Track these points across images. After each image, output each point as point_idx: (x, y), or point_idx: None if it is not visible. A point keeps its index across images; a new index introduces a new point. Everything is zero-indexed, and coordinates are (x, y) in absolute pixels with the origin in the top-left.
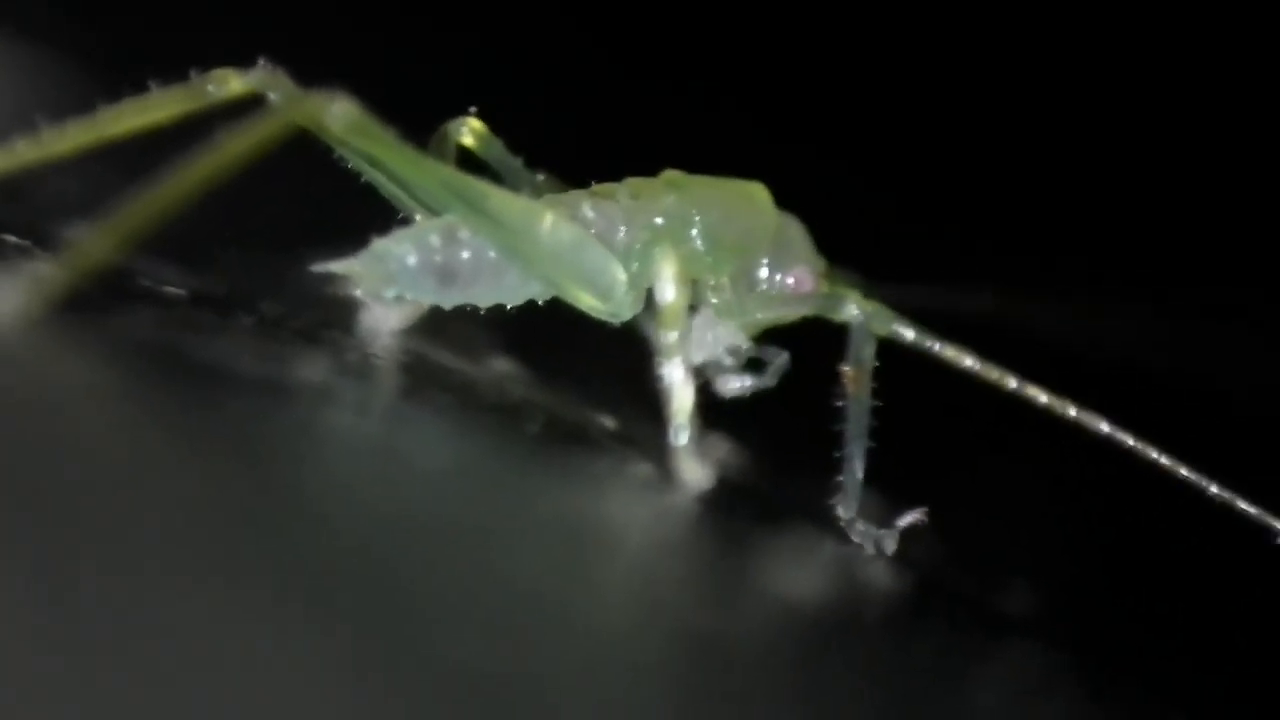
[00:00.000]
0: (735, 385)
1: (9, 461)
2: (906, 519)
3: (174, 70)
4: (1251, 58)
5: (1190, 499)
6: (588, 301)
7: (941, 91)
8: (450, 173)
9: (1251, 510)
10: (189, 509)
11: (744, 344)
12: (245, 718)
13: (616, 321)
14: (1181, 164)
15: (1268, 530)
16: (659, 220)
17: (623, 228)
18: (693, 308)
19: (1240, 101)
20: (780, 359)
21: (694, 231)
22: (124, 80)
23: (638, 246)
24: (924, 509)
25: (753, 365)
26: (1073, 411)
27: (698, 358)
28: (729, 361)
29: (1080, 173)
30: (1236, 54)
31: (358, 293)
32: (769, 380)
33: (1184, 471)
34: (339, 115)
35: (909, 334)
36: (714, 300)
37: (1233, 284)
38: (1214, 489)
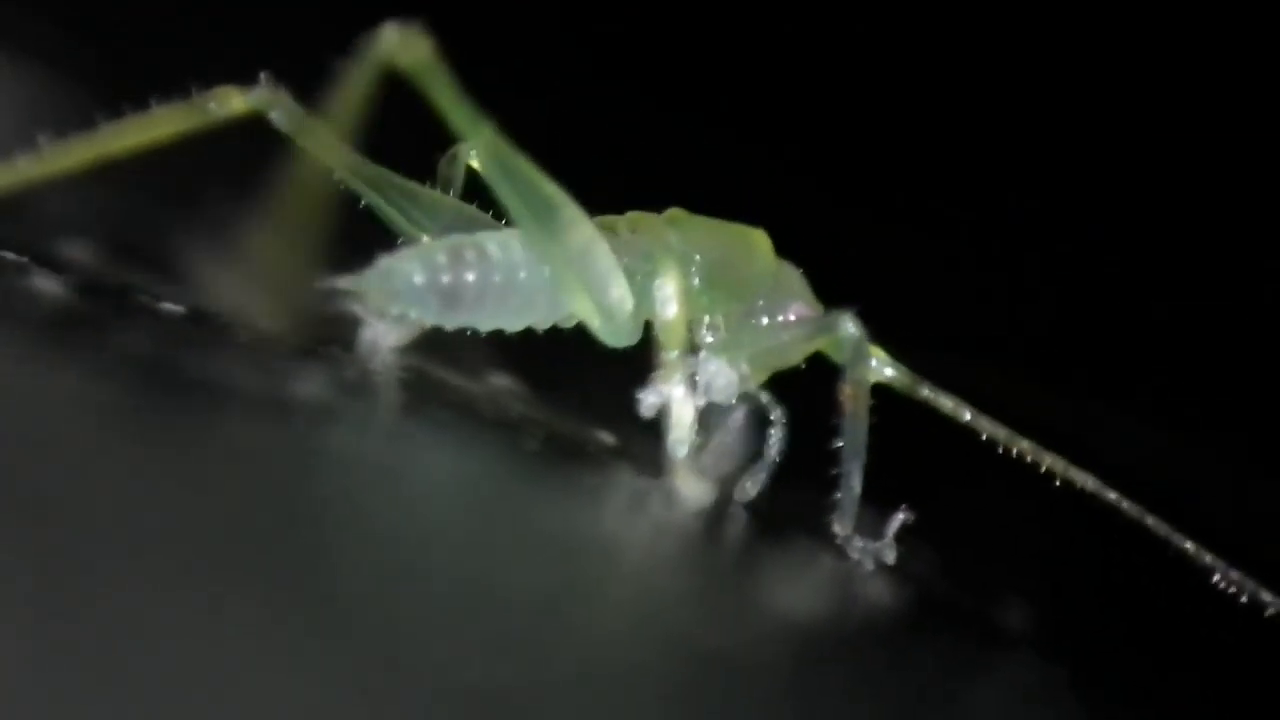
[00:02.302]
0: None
1: (3, 479)
2: (894, 524)
3: (175, 88)
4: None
5: (1189, 513)
6: (589, 312)
7: (964, 133)
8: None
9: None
10: (186, 525)
11: (737, 384)
12: None
13: (612, 344)
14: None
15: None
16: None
17: (624, 259)
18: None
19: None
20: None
21: (692, 269)
22: (125, 98)
23: (638, 278)
24: (906, 507)
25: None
26: (1062, 469)
27: (701, 399)
28: (724, 403)
29: (1104, 218)
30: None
31: (359, 309)
32: (727, 437)
33: (1186, 545)
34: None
35: (904, 380)
36: (709, 339)
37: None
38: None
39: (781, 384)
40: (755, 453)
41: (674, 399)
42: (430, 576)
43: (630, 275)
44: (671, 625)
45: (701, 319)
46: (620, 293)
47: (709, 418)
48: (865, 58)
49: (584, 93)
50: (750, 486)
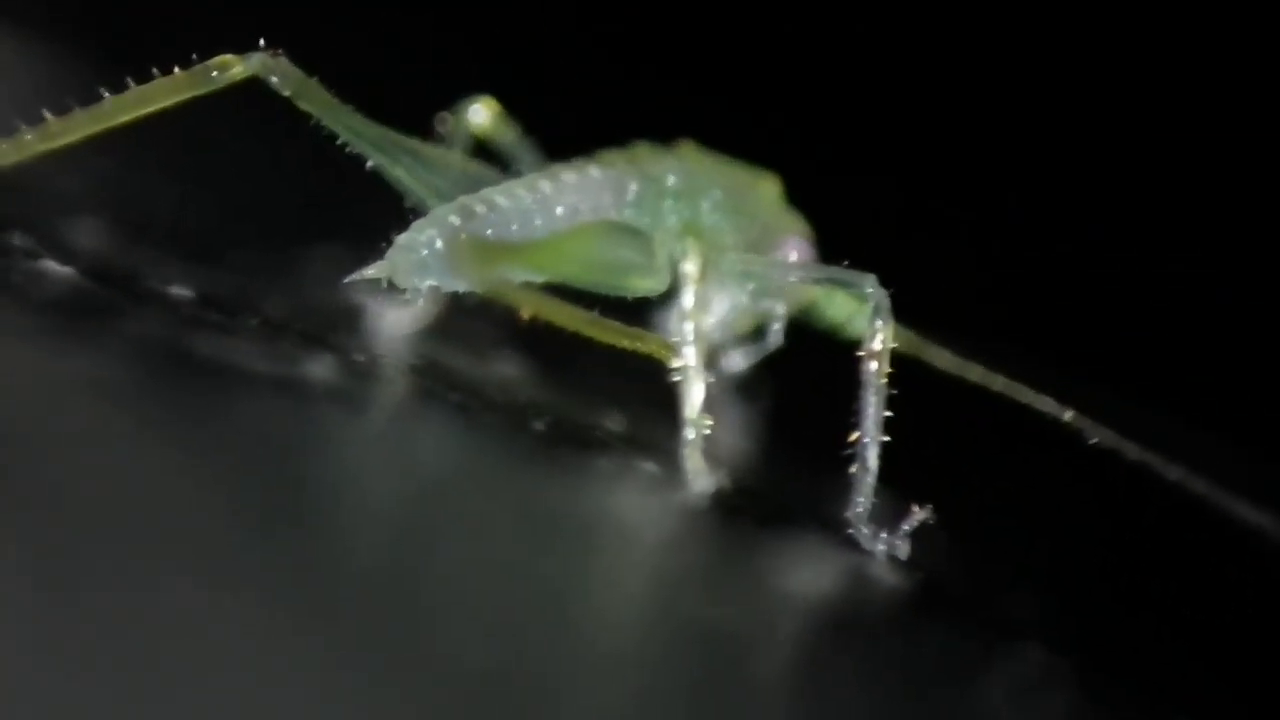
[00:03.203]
0: (739, 360)
1: (12, 462)
2: (913, 520)
3: (176, 58)
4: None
5: (1195, 503)
6: (635, 285)
7: (965, 132)
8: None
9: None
10: (194, 509)
11: (735, 314)
12: (250, 718)
13: (657, 292)
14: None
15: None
16: (671, 178)
17: (634, 184)
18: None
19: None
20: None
21: (703, 198)
22: (126, 72)
23: (650, 198)
24: (928, 506)
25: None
26: (1068, 416)
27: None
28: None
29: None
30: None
31: (374, 300)
32: (773, 344)
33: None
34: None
35: (911, 340)
36: (723, 267)
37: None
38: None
39: (793, 370)
40: (756, 434)
41: (688, 378)
42: (438, 559)
43: (641, 197)
44: (680, 609)
45: (713, 245)
46: (649, 255)
47: (719, 402)
48: (866, 58)
49: (592, 88)
50: (740, 359)
